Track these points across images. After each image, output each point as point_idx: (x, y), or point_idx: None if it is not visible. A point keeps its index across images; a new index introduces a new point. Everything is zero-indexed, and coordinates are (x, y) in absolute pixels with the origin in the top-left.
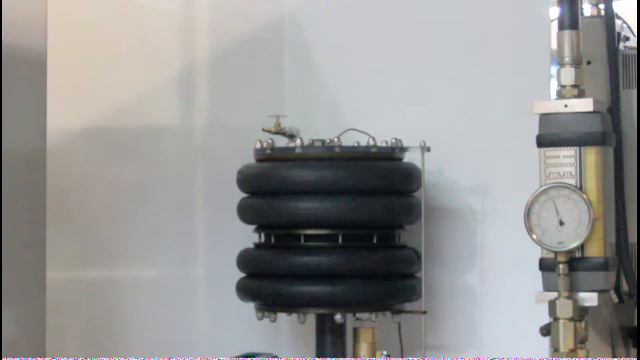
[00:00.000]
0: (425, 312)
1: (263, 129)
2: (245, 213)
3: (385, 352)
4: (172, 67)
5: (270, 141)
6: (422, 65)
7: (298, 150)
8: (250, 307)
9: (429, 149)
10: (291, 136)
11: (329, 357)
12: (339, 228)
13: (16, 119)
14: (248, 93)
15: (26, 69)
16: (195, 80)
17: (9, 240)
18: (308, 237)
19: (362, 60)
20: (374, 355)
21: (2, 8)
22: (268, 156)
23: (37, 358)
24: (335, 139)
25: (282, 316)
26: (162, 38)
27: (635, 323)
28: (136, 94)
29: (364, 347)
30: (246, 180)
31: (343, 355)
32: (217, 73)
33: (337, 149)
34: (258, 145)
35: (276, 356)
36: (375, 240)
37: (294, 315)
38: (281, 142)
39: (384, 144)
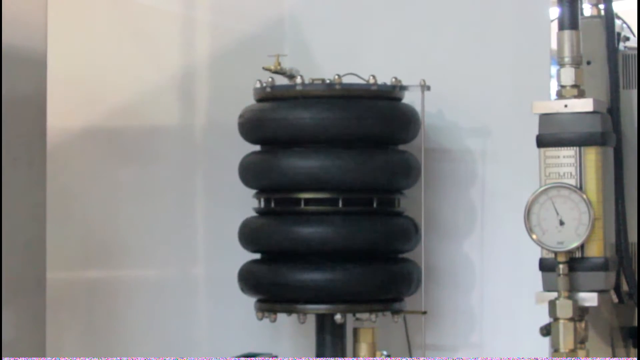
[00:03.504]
0: (425, 312)
1: (263, 68)
2: (247, 174)
3: (385, 352)
4: (172, 67)
5: (270, 80)
6: (422, 62)
7: (299, 88)
8: (250, 307)
9: (428, 88)
10: (291, 76)
11: (329, 357)
12: (339, 191)
13: (16, 118)
14: (248, 94)
15: (26, 69)
16: (195, 80)
17: (9, 240)
18: (308, 201)
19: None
20: (374, 355)
21: (2, 8)
22: (268, 95)
23: (37, 358)
24: (336, 77)
25: (282, 316)
26: (162, 38)
27: (635, 323)
28: (136, 94)
29: (364, 347)
30: (247, 124)
31: (343, 355)
32: (217, 73)
33: (337, 87)
34: (258, 85)
35: (276, 356)
36: (375, 205)
37: (294, 315)
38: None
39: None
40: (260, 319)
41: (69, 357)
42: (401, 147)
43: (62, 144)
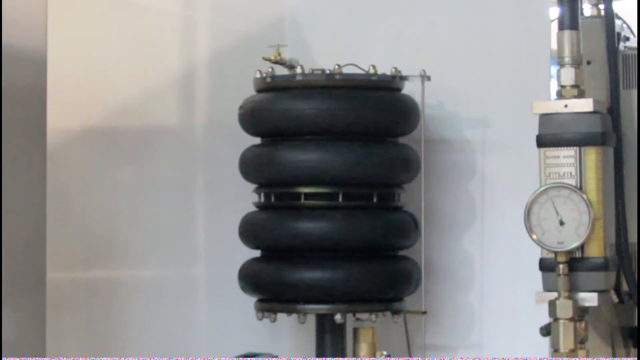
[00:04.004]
0: (425, 312)
1: (263, 58)
2: (247, 168)
3: (385, 352)
4: (172, 67)
5: (270, 70)
6: (422, 56)
7: (299, 78)
8: (250, 307)
9: (429, 78)
10: (291, 67)
11: (329, 357)
12: (339, 185)
13: (16, 118)
14: (248, 93)
15: (26, 69)
16: (195, 80)
17: (9, 240)
18: (308, 196)
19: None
20: (374, 355)
21: (2, 8)
22: (268, 85)
23: (37, 358)
24: (336, 67)
25: (282, 316)
26: (162, 38)
27: (635, 323)
28: (136, 94)
29: (364, 347)
30: (247, 115)
31: (343, 355)
32: (217, 73)
33: (337, 77)
34: (257, 75)
35: (276, 356)
36: (375, 200)
37: (294, 315)
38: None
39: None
40: (260, 319)
41: (69, 357)
42: (401, 139)
43: (62, 144)
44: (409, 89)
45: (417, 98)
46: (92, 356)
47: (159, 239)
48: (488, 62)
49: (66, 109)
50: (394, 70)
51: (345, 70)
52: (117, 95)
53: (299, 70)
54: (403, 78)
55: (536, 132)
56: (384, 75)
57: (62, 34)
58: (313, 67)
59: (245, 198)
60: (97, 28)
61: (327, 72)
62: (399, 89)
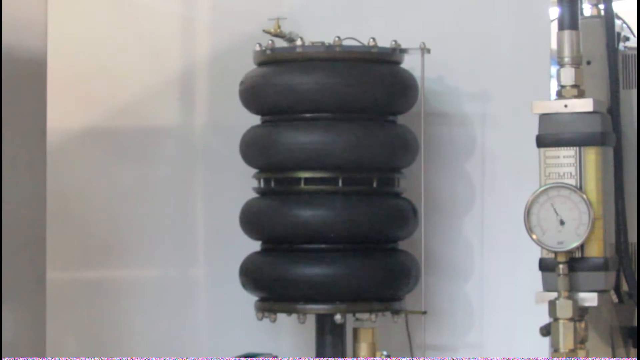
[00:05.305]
0: (425, 312)
1: (263, 30)
2: (247, 151)
3: (385, 352)
4: (172, 67)
5: (270, 42)
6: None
7: (299, 50)
8: (250, 307)
9: (428, 51)
10: (290, 40)
11: (329, 357)
12: (339, 170)
13: (16, 119)
14: None
15: (26, 69)
16: (195, 80)
17: (9, 240)
18: (308, 181)
19: None
20: (374, 355)
21: (2, 8)
22: (268, 58)
23: (37, 358)
24: (336, 39)
25: (282, 316)
26: (162, 38)
27: (635, 323)
28: (136, 94)
29: (364, 347)
30: (248, 91)
31: (343, 355)
32: (217, 73)
33: (337, 49)
34: (257, 48)
35: (276, 356)
36: (375, 185)
37: (294, 315)
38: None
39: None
40: (260, 319)
41: (69, 357)
42: (401, 117)
43: (62, 144)
44: (409, 64)
45: (417, 74)
46: (92, 356)
47: (159, 239)
48: (488, 59)
49: (66, 109)
50: (393, 43)
51: (345, 44)
52: (117, 95)
53: (299, 42)
54: (403, 51)
55: (536, 137)
56: (384, 48)
57: (62, 34)
58: (313, 41)
59: (245, 198)
60: (97, 28)
61: (327, 44)
62: (398, 62)
